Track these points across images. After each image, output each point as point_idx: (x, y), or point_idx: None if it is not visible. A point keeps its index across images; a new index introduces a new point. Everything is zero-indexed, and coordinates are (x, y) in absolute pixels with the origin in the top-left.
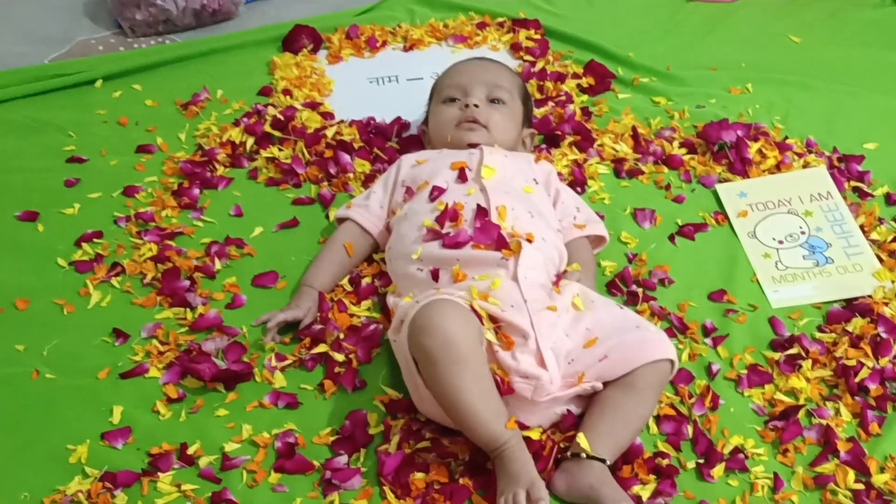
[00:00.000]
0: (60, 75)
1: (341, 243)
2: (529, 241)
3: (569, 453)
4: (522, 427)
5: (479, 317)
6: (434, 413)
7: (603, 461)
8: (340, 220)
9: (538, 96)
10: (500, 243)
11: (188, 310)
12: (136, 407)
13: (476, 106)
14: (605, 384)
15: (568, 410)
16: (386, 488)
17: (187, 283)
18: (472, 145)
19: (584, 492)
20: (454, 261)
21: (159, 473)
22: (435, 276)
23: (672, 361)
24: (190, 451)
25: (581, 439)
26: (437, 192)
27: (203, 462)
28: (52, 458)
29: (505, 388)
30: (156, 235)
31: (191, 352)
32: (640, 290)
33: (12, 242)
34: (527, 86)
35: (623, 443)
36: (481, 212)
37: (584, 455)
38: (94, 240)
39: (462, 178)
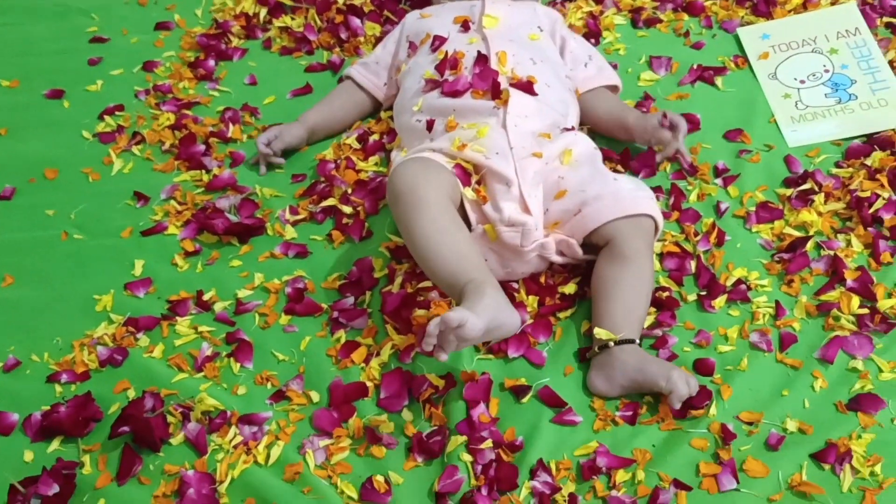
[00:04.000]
0: None
1: (339, 96)
2: (531, 82)
3: (596, 348)
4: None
5: (465, 172)
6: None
7: (633, 341)
8: (342, 79)
9: None
10: (495, 89)
11: (204, 172)
12: (156, 261)
13: None
14: (587, 248)
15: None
16: (388, 325)
17: (203, 147)
18: None
19: (630, 377)
20: (451, 111)
21: (177, 318)
22: (430, 126)
23: (652, 217)
24: (206, 297)
25: (600, 332)
26: (438, 42)
27: (218, 307)
28: (80, 308)
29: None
30: (173, 105)
31: (206, 209)
32: None
33: (41, 118)
34: None
35: (641, 314)
36: (481, 58)
37: (611, 344)
38: (116, 112)
39: (465, 28)
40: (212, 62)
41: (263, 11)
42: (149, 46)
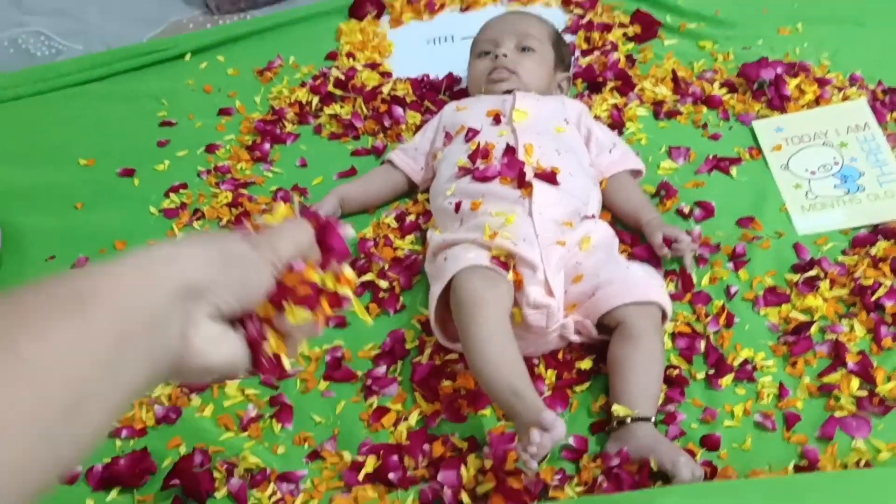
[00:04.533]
0: (156, 51)
1: (377, 175)
2: (555, 173)
3: (614, 423)
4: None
5: (501, 262)
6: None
7: (648, 419)
8: (384, 163)
9: (584, 47)
10: (521, 178)
11: None
12: None
13: (505, 55)
14: (601, 329)
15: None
16: (417, 393)
17: None
18: (506, 92)
19: (643, 454)
20: (480, 195)
21: (227, 381)
22: (457, 207)
23: (659, 305)
24: None
25: (618, 409)
26: (471, 134)
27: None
28: None
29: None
30: (231, 185)
31: None
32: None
33: (113, 194)
34: (559, 31)
35: (654, 391)
36: (510, 149)
37: (628, 420)
38: (181, 190)
39: (496, 121)
40: (267, 145)
41: (315, 100)
42: (212, 130)
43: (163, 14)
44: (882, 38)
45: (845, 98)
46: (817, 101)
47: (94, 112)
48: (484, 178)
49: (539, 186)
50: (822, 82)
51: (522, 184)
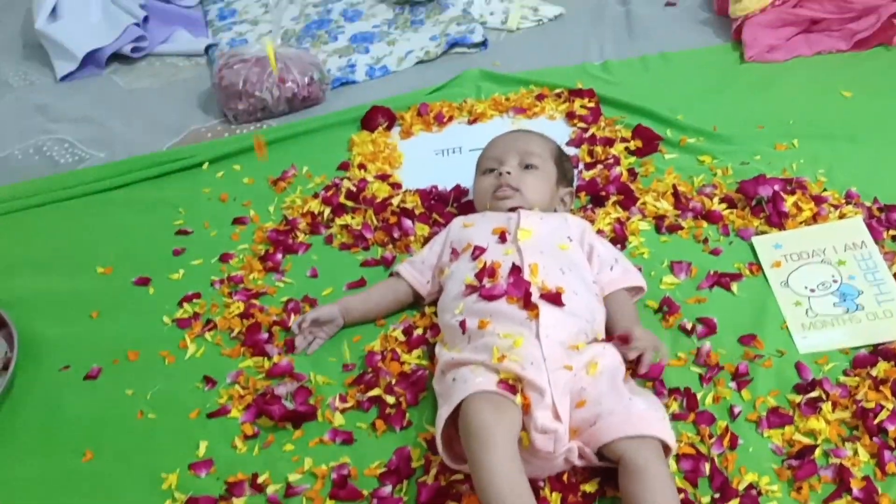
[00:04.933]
0: (175, 160)
1: (382, 286)
2: (559, 294)
3: None
4: None
5: (509, 385)
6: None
7: None
8: (391, 275)
9: (588, 160)
10: (527, 300)
11: (266, 359)
12: (218, 442)
13: (509, 173)
14: (602, 457)
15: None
16: None
17: (266, 335)
18: (511, 210)
19: None
20: (487, 314)
21: (233, 499)
22: (463, 326)
23: (659, 439)
24: (260, 480)
25: None
26: (478, 252)
27: (270, 490)
28: (149, 485)
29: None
30: (243, 295)
31: (265, 395)
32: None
33: (128, 303)
34: (561, 149)
35: None
36: (515, 269)
37: None
38: (194, 300)
39: (502, 239)
40: (279, 255)
41: (327, 210)
42: (226, 239)
43: (183, 123)
44: (875, 154)
45: (842, 216)
46: (815, 219)
47: (114, 220)
48: (491, 297)
49: (545, 309)
50: (818, 200)
51: (528, 304)
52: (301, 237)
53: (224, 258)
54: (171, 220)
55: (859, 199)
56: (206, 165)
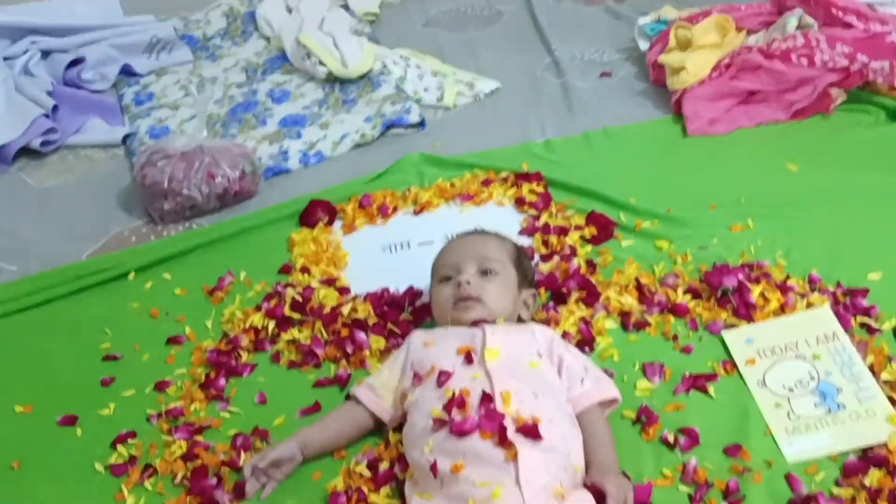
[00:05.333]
0: (97, 271)
1: (341, 414)
2: (536, 425)
3: None
4: None
5: None
6: None
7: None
8: (349, 397)
9: (543, 251)
10: (502, 436)
11: None
12: None
13: (468, 283)
14: None
15: None
16: None
17: (215, 480)
18: (473, 323)
19: None
20: (460, 454)
21: None
22: (434, 469)
23: None
24: None
25: None
26: (444, 378)
27: None
28: None
29: None
30: (185, 432)
31: None
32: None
33: (53, 449)
34: (521, 249)
35: None
36: (486, 398)
37: None
38: (129, 440)
39: (468, 360)
40: (222, 380)
41: (272, 324)
42: (160, 363)
43: (103, 226)
44: (829, 232)
45: (809, 304)
46: (782, 309)
47: (31, 346)
48: (462, 433)
49: (524, 449)
50: (784, 289)
51: (504, 441)
52: (245, 356)
53: (160, 386)
54: (96, 343)
55: (822, 283)
56: (131, 275)
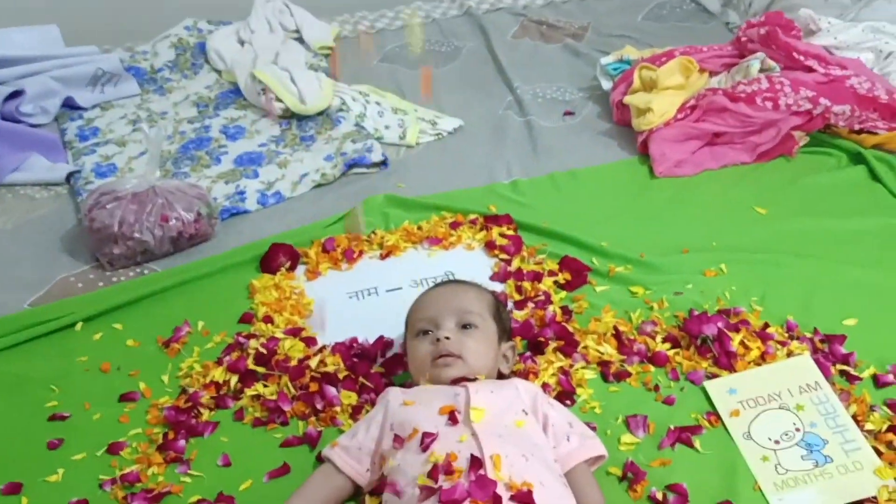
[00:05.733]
0: (40, 322)
1: (317, 481)
2: (530, 491)
3: None
4: None
5: None
6: None
7: None
8: (322, 459)
9: (517, 297)
10: (498, 501)
11: None
12: None
13: (448, 338)
14: None
15: None
16: None
17: None
18: (454, 381)
19: None
20: None
21: None
22: None
23: None
24: None
25: None
26: (428, 440)
27: None
28: None
29: None
30: (143, 499)
31: None
32: None
33: None
34: (498, 300)
35: None
36: (475, 463)
37: None
38: None
39: (452, 421)
40: (182, 441)
41: (234, 379)
42: (113, 423)
43: (46, 272)
44: (801, 278)
45: (790, 353)
46: (763, 357)
47: None
48: (452, 502)
49: None
50: (764, 337)
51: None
52: (206, 414)
53: (113, 449)
54: (41, 401)
55: (799, 329)
56: (79, 326)
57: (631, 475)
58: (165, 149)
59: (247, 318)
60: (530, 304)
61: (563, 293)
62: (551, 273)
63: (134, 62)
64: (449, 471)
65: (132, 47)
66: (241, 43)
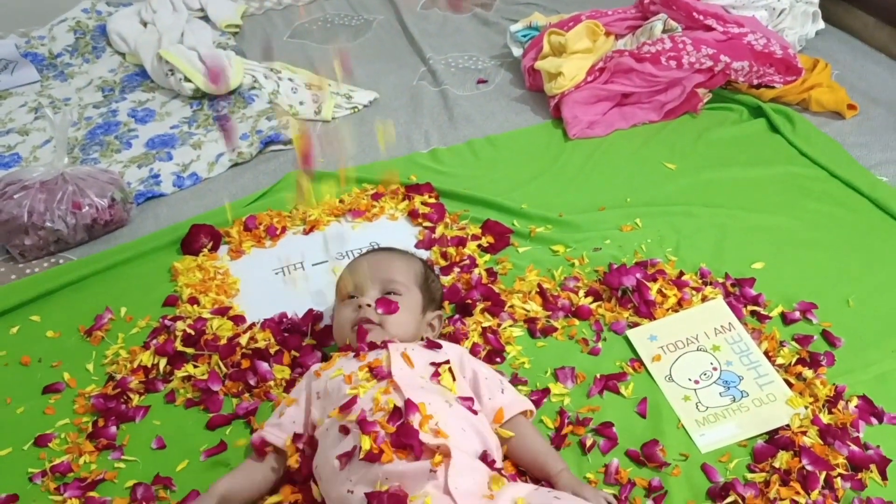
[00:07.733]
0: None
1: (249, 460)
2: (453, 430)
3: None
4: None
5: None
6: None
7: None
8: (254, 445)
9: (443, 263)
10: (420, 451)
11: None
12: None
13: (369, 306)
14: None
15: None
16: None
17: None
18: (372, 345)
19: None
20: (383, 478)
21: None
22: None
23: None
24: None
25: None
26: (352, 400)
27: None
28: None
29: None
30: (77, 489)
31: None
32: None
33: None
34: (429, 269)
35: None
36: (396, 412)
37: None
38: None
39: (375, 376)
40: (113, 427)
41: (163, 362)
42: (38, 415)
43: None
44: (711, 227)
45: (704, 298)
46: (680, 304)
47: None
48: (376, 458)
49: (446, 459)
50: (680, 284)
51: (423, 453)
52: (136, 399)
53: (40, 441)
54: None
55: (712, 276)
56: None
57: (564, 422)
58: (72, 135)
59: (171, 301)
60: (456, 269)
61: (488, 256)
62: (474, 237)
63: (31, 48)
64: (371, 426)
65: (27, 32)
66: (144, 24)
